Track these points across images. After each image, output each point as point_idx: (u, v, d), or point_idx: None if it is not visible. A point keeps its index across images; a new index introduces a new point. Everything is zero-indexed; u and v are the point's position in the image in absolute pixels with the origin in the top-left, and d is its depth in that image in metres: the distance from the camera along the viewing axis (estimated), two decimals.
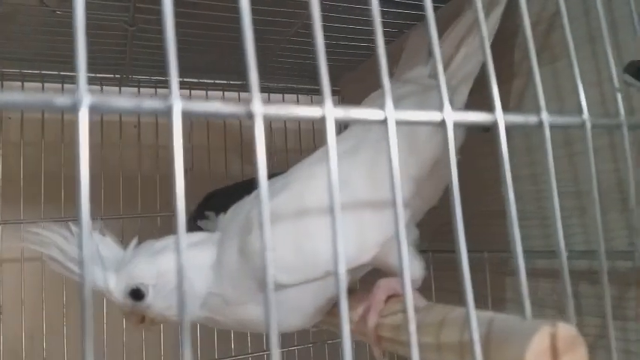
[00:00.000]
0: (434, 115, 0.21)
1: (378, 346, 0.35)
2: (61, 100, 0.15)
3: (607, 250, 0.26)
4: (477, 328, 0.20)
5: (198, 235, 0.41)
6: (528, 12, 0.24)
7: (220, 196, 0.66)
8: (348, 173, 0.38)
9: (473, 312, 0.20)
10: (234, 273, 0.38)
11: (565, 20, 0.26)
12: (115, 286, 0.37)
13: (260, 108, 0.18)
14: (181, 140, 0.17)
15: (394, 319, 0.34)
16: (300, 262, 0.37)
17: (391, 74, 0.39)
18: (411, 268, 0.38)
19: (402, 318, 0.33)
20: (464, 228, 0.20)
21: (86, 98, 0.16)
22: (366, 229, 0.37)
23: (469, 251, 0.20)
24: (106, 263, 0.37)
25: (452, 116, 0.21)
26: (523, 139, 0.45)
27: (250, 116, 0.18)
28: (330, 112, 0.19)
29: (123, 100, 0.16)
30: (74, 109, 0.16)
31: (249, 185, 0.63)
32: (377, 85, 0.21)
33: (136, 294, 0.38)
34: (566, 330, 0.21)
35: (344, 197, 0.36)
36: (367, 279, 0.41)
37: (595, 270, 0.37)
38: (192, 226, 0.63)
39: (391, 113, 0.20)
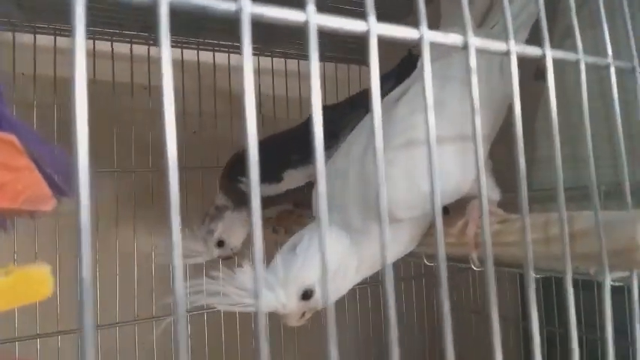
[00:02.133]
0: (500, 46, 0.25)
1: (476, 250, 0.43)
2: None
3: None
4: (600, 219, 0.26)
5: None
6: None
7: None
8: (446, 109, 0.43)
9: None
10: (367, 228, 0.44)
11: None
12: (288, 298, 0.42)
13: (375, 26, 0.21)
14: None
15: (492, 228, 0.39)
16: (418, 200, 0.42)
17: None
18: (493, 192, 0.46)
19: (500, 227, 0.39)
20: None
21: None
22: (467, 163, 0.42)
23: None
24: (270, 284, 0.42)
25: (515, 47, 0.25)
26: None
27: (367, 35, 0.21)
28: (427, 35, 0.22)
29: None
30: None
31: (272, 143, 0.67)
32: None
33: (307, 295, 0.43)
34: None
35: (449, 133, 0.42)
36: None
37: None
38: (230, 188, 0.68)
39: (472, 39, 0.23)
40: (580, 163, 0.48)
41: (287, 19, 0.20)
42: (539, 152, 0.56)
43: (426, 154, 0.21)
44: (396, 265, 0.52)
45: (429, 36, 0.22)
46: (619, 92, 0.30)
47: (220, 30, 0.82)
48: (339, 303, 0.93)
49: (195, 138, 0.84)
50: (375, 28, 0.21)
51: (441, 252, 0.22)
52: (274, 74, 0.93)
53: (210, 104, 0.86)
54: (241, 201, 0.70)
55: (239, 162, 0.70)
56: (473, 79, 0.23)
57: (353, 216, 0.44)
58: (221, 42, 0.87)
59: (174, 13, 0.18)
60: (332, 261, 0.42)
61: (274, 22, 0.20)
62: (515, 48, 0.25)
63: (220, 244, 0.72)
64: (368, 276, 0.47)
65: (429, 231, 0.47)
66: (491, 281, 0.22)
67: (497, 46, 0.25)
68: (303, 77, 0.96)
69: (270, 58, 0.94)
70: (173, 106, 0.18)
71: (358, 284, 0.97)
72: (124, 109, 0.80)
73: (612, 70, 0.30)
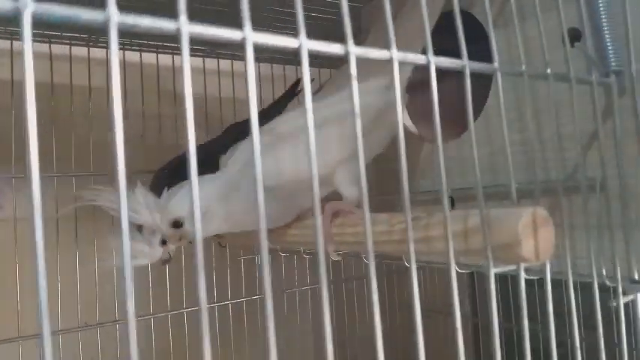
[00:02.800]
0: (382, 54, 0.26)
1: (332, 246, 0.49)
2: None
3: None
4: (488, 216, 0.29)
5: (208, 175, 0.55)
6: None
7: (168, 175, 0.69)
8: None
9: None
10: (247, 187, 0.51)
11: None
12: (161, 221, 0.51)
13: (251, 34, 0.22)
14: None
15: (355, 229, 0.45)
16: (277, 170, 0.50)
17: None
18: (352, 191, 0.52)
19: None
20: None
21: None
22: (329, 146, 0.50)
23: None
24: (150, 206, 0.51)
25: (396, 55, 0.26)
26: None
27: (243, 43, 0.22)
28: (305, 43, 0.24)
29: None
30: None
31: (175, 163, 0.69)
32: None
33: (176, 224, 0.52)
34: (542, 211, 0.31)
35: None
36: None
37: None
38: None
39: (352, 48, 0.25)
40: (495, 163, 0.51)
41: (160, 28, 0.21)
42: (462, 152, 0.58)
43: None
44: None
45: (307, 44, 0.23)
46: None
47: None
48: (303, 303, 0.94)
49: (140, 141, 0.84)
50: (251, 37, 0.22)
51: (320, 244, 0.23)
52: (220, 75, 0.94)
53: (153, 106, 0.86)
54: None
55: (163, 178, 0.70)
56: (354, 84, 0.25)
57: (241, 175, 0.53)
58: (165, 44, 0.88)
59: None
60: (202, 203, 0.49)
61: (148, 30, 0.21)
62: (397, 55, 0.26)
63: (164, 242, 0.71)
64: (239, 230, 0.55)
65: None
66: (323, 278, 0.24)
67: (379, 54, 0.26)
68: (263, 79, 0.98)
69: (216, 60, 0.94)
70: (34, 106, 0.18)
71: (314, 284, 0.99)
72: (63, 111, 0.79)
73: (499, 75, 0.32)
